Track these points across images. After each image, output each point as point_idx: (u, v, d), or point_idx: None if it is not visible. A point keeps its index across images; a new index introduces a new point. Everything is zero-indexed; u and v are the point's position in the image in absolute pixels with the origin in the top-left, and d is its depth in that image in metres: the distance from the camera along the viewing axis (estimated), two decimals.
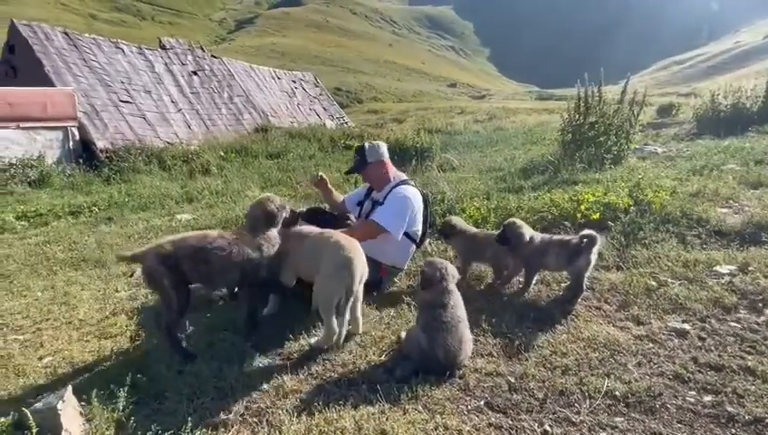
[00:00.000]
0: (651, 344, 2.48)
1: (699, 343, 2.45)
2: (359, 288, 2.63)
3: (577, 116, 7.08)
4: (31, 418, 1.57)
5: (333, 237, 2.70)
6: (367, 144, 3.56)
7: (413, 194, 3.39)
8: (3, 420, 1.87)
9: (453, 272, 2.52)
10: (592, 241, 2.93)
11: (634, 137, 7.17)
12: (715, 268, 3.18)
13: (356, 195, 3.84)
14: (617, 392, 2.10)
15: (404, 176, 3.60)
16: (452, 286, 2.46)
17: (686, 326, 2.59)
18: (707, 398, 2.04)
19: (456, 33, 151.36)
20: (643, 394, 2.08)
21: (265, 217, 2.86)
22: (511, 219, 3.31)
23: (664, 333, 2.57)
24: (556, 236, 3.23)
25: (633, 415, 1.98)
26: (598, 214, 4.20)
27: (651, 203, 4.24)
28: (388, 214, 3.25)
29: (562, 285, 3.28)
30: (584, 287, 2.99)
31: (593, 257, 2.97)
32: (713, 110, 8.82)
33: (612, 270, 3.41)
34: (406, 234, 3.35)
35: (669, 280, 3.12)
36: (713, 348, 2.40)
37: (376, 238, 3.21)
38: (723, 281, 3.02)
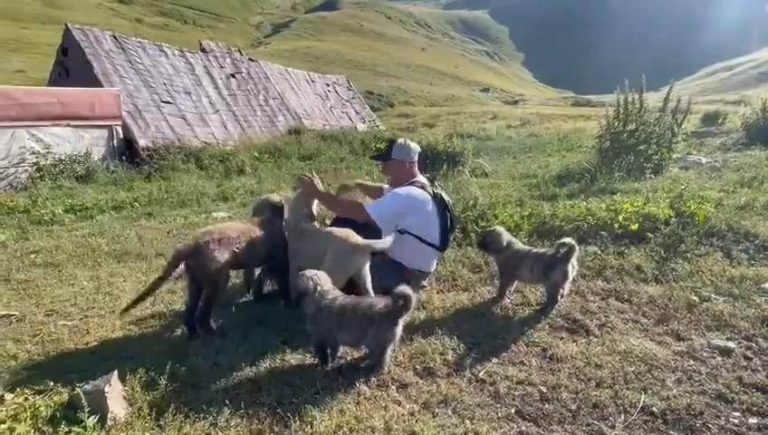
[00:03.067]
0: (692, 361, 2.39)
1: (745, 363, 2.34)
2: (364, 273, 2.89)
3: (616, 123, 6.90)
4: (83, 398, 1.66)
5: (333, 231, 3.00)
6: (399, 140, 3.54)
7: (415, 194, 3.29)
8: (56, 398, 2.00)
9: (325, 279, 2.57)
10: (570, 251, 2.89)
11: (676, 146, 6.92)
12: (763, 285, 3.03)
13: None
14: (654, 408, 2.03)
15: (423, 180, 3.49)
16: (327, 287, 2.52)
17: (731, 344, 2.48)
18: (753, 420, 1.95)
19: (491, 38, 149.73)
20: (683, 412, 2.00)
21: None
22: (493, 227, 3.49)
23: (706, 351, 2.46)
24: (535, 249, 3.22)
25: (671, 432, 1.91)
26: (636, 225, 4.07)
27: (694, 215, 4.07)
28: (379, 202, 3.34)
29: (597, 296, 3.20)
30: (558, 299, 2.99)
31: (570, 269, 2.94)
32: (765, 118, 8.39)
33: (651, 283, 3.30)
34: (422, 240, 3.30)
35: (713, 296, 3.00)
36: (760, 368, 2.28)
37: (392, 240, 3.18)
38: None
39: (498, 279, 3.27)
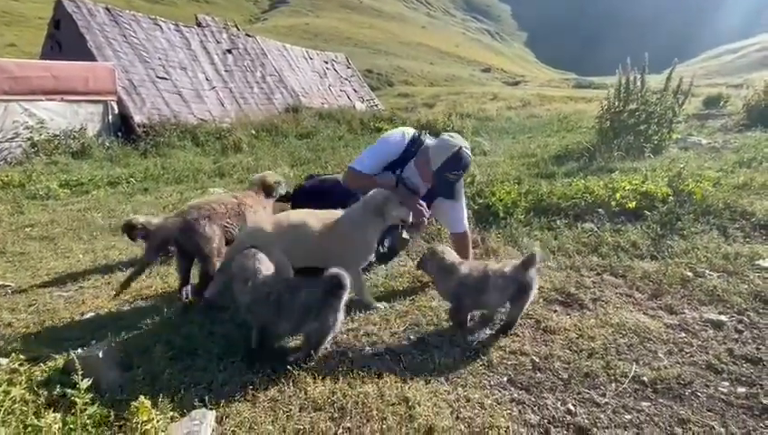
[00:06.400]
0: (684, 334, 2.41)
1: (736, 336, 2.36)
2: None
3: (617, 103, 6.82)
4: (78, 363, 1.67)
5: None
6: (465, 151, 2.88)
7: None
8: (51, 364, 2.01)
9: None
10: (531, 261, 2.39)
11: (677, 127, 6.86)
12: (758, 262, 3.04)
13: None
14: (644, 378, 2.06)
15: None
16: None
17: (723, 318, 2.50)
18: (741, 389, 1.97)
19: (493, 17, 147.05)
20: (672, 381, 2.03)
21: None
22: (433, 245, 2.80)
23: (698, 324, 2.48)
24: (492, 265, 2.53)
25: (661, 401, 1.94)
26: (634, 202, 4.07)
27: (692, 193, 4.06)
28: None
29: (592, 271, 3.21)
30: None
31: (536, 282, 2.47)
32: (766, 100, 8.30)
33: (646, 259, 3.31)
34: None
35: (707, 272, 3.01)
36: (750, 341, 2.31)
37: None
38: (766, 275, 2.88)
39: (451, 308, 2.58)
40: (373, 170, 3.09)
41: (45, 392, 1.83)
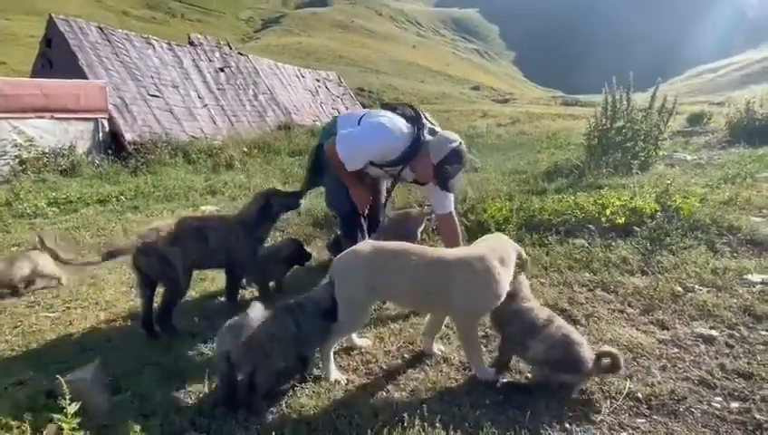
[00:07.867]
0: (676, 349, 2.43)
1: (727, 350, 2.38)
2: None
3: (604, 120, 6.96)
4: (65, 387, 1.63)
5: None
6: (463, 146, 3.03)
7: None
8: (37, 388, 1.95)
9: None
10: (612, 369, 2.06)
11: (663, 143, 7.02)
12: (746, 276, 3.08)
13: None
14: (639, 394, 2.06)
15: None
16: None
17: (714, 333, 2.52)
18: (734, 404, 1.98)
19: (482, 36, 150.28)
20: (666, 397, 2.03)
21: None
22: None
23: (690, 339, 2.50)
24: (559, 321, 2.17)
25: (655, 417, 1.94)
26: (623, 218, 4.13)
27: (679, 209, 4.14)
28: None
29: (584, 287, 3.23)
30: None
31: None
32: (747, 118, 8.55)
33: (637, 274, 3.34)
34: None
35: (697, 286, 3.04)
36: (741, 355, 2.32)
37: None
38: (754, 289, 2.93)
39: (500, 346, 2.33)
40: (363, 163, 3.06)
41: (31, 417, 1.77)
